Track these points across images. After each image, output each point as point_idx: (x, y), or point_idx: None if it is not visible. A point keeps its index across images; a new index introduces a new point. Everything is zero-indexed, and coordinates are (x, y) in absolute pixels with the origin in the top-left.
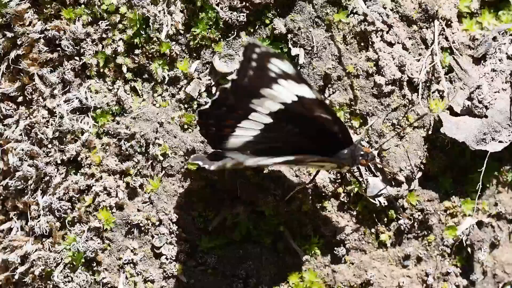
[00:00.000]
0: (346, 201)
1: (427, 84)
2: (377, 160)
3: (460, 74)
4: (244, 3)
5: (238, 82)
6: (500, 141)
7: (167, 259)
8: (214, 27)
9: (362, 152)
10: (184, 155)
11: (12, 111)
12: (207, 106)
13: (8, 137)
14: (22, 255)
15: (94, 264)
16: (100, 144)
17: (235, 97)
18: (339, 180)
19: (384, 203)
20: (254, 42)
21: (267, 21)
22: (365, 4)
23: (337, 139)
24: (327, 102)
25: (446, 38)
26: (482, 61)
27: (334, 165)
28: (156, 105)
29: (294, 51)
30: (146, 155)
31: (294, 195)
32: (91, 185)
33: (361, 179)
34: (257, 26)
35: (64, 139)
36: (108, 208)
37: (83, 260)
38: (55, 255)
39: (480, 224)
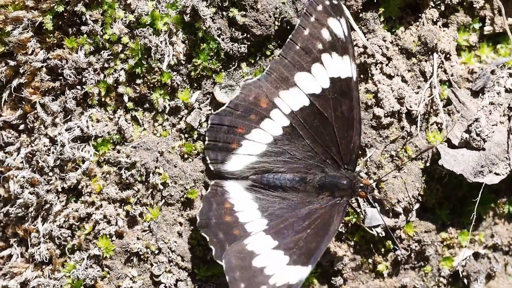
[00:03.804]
0: (344, 231)
1: (426, 117)
2: (376, 192)
3: (458, 106)
4: (245, 35)
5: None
6: (497, 174)
7: (165, 287)
8: (215, 58)
9: (361, 184)
10: (183, 184)
11: (13, 139)
12: (220, 110)
13: (9, 165)
14: (22, 282)
15: None
16: (100, 173)
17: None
18: None
19: (381, 233)
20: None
21: (268, 52)
22: (365, 37)
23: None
24: None
25: (445, 71)
26: (480, 94)
27: None
28: (157, 134)
29: None
30: (146, 184)
31: None
32: (91, 213)
33: (359, 210)
34: (258, 57)
35: (65, 167)
36: (108, 236)
37: None
38: (55, 282)
39: (476, 255)
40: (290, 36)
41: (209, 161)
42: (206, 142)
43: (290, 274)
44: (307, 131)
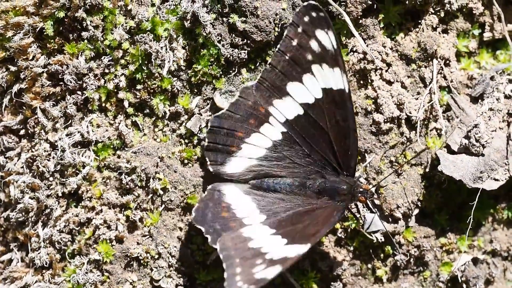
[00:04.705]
0: (343, 236)
1: (425, 122)
2: (375, 196)
3: (457, 112)
4: (245, 41)
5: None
6: (496, 179)
7: None
8: (215, 63)
9: (361, 189)
10: (183, 189)
11: (14, 144)
12: (222, 111)
13: (9, 170)
14: (22, 287)
15: None
16: (101, 178)
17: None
18: None
19: (380, 239)
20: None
21: (268, 58)
22: (365, 43)
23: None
24: None
25: (445, 77)
26: (479, 100)
27: None
28: (157, 139)
29: None
30: (146, 189)
31: None
32: (92, 218)
33: (358, 215)
34: (258, 63)
35: (65, 172)
36: (108, 241)
37: None
38: (55, 286)
39: (475, 260)
40: (278, 46)
41: (208, 163)
42: (206, 144)
43: (288, 251)
44: (303, 139)
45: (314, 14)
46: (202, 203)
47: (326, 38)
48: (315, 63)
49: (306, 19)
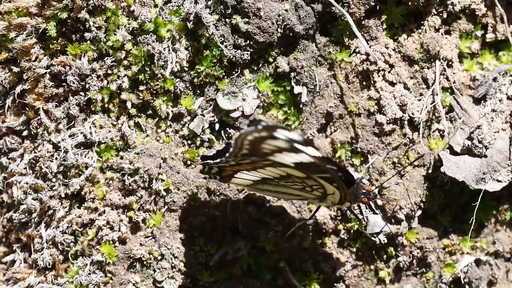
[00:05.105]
0: (346, 237)
1: (428, 124)
2: (378, 197)
3: (460, 114)
4: (248, 42)
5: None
6: (499, 181)
7: None
8: (218, 64)
9: (364, 190)
10: (186, 190)
11: (17, 145)
12: (211, 154)
13: (12, 171)
14: (25, 287)
15: None
16: (103, 179)
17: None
18: (339, 217)
19: (383, 240)
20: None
21: (271, 59)
22: (368, 44)
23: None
24: (329, 139)
25: (447, 78)
26: (482, 101)
27: (335, 200)
28: (160, 141)
29: (297, 89)
30: (149, 190)
31: (295, 231)
32: (94, 219)
33: (361, 217)
34: (261, 64)
35: (68, 173)
36: (111, 242)
37: None
38: None
39: (478, 262)
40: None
41: None
42: None
43: None
44: None
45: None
46: None
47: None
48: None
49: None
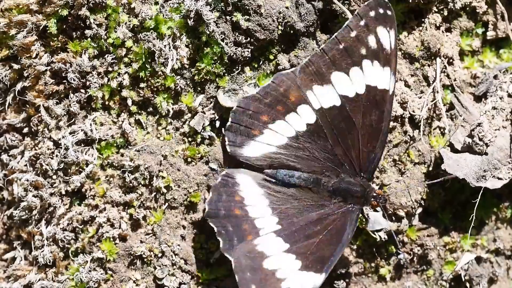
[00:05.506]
0: None
1: (428, 121)
2: (388, 202)
3: (461, 111)
4: (248, 39)
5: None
6: (499, 178)
7: None
8: (218, 62)
9: (374, 194)
10: (187, 187)
11: (17, 142)
12: (250, 94)
13: (13, 168)
14: (25, 285)
15: None
16: (104, 176)
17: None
18: None
19: (384, 237)
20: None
21: (271, 57)
22: None
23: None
24: None
25: (448, 76)
26: (483, 99)
27: None
28: (160, 138)
29: None
30: (149, 187)
31: None
32: (95, 216)
33: (361, 214)
34: (261, 62)
35: (69, 170)
36: (111, 239)
37: None
38: (58, 285)
39: (478, 259)
40: (335, 34)
41: (227, 143)
42: (228, 124)
43: (303, 280)
44: (331, 131)
45: (381, 10)
46: (216, 193)
47: (386, 36)
48: (367, 58)
49: (371, 13)
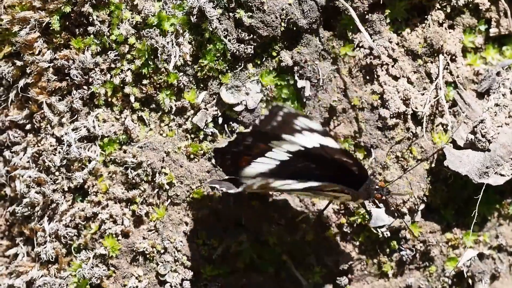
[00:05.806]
0: (349, 231)
1: (431, 118)
2: (391, 193)
3: (463, 108)
4: (251, 36)
5: (260, 129)
6: (502, 175)
7: (171, 286)
8: (221, 58)
9: (377, 186)
10: (189, 184)
11: (20, 139)
12: (223, 145)
13: (15, 164)
14: (27, 281)
15: None
16: (107, 172)
17: (253, 139)
18: (343, 211)
19: (386, 234)
20: (280, 105)
21: (274, 53)
22: (371, 38)
23: (354, 175)
24: (332, 133)
25: (451, 73)
26: (485, 96)
27: (349, 197)
28: (163, 134)
29: (300, 83)
30: (152, 183)
31: (298, 224)
32: (97, 212)
33: (364, 210)
34: (264, 58)
35: (71, 167)
36: (114, 235)
37: (88, 287)
38: (61, 281)
39: (481, 256)
40: None
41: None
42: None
43: None
44: None
45: (283, 112)
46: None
47: (309, 122)
48: (306, 131)
49: (280, 114)
